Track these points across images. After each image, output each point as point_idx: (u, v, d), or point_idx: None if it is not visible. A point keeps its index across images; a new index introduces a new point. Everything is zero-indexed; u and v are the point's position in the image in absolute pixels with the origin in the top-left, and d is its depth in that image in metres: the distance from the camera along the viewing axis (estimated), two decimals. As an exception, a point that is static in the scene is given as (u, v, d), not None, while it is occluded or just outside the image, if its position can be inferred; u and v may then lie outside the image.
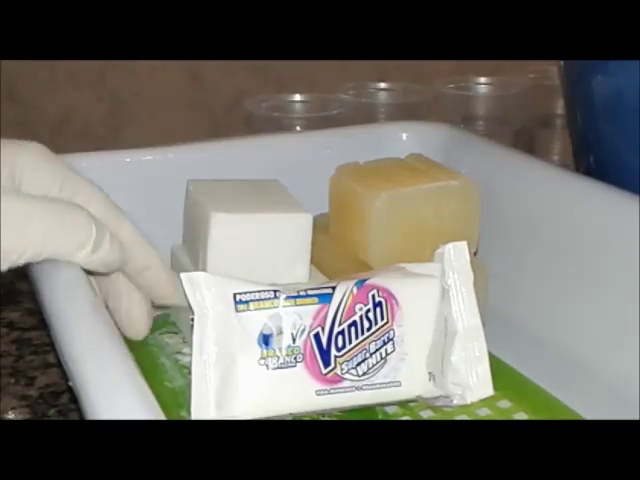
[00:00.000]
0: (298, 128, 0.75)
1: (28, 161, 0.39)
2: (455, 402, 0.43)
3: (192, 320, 0.40)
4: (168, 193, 0.52)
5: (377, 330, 0.42)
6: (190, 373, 0.40)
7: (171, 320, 0.50)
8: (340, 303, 0.41)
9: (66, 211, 0.38)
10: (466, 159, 0.57)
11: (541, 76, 0.86)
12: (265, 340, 0.40)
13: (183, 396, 0.43)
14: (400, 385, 0.42)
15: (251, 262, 0.46)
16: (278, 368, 0.40)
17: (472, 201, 0.50)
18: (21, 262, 0.37)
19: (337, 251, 0.50)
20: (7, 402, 0.49)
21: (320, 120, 0.75)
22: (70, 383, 0.33)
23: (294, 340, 0.40)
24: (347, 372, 0.41)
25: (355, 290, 0.42)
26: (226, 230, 0.45)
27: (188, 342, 0.46)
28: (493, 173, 0.55)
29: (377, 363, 0.42)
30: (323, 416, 0.42)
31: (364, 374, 0.42)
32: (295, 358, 0.40)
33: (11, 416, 0.48)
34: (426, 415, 0.43)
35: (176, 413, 0.42)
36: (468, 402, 0.43)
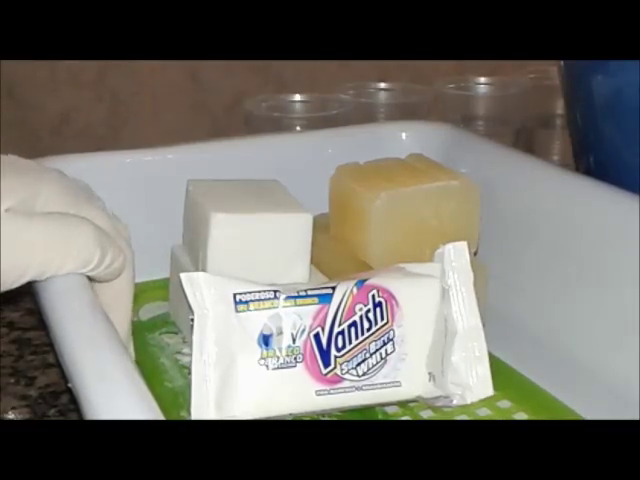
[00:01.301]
0: (298, 128, 0.75)
1: (46, 190, 0.38)
2: (455, 402, 0.43)
3: (192, 320, 0.40)
4: (168, 193, 0.52)
5: (377, 330, 0.42)
6: (190, 373, 0.40)
7: (171, 320, 0.50)
8: (340, 303, 0.41)
9: (71, 229, 0.37)
10: (466, 159, 0.57)
11: (541, 76, 0.86)
12: (265, 340, 0.40)
13: (183, 396, 0.43)
14: (400, 385, 0.42)
15: (251, 262, 0.46)
16: (278, 368, 0.40)
17: (472, 201, 0.50)
18: (23, 282, 0.37)
19: (337, 251, 0.50)
20: (7, 402, 0.49)
21: (320, 120, 0.75)
22: (69, 385, 0.33)
23: (294, 340, 0.40)
24: (347, 372, 0.41)
25: (355, 290, 0.42)
26: (226, 230, 0.45)
27: (188, 342, 0.46)
28: (493, 173, 0.55)
29: (377, 363, 0.42)
30: (323, 416, 0.42)
31: (364, 374, 0.42)
32: (295, 358, 0.40)
33: (11, 416, 0.48)
34: (426, 415, 0.43)
35: (176, 413, 0.42)
36: (468, 402, 0.43)
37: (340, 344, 0.41)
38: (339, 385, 0.41)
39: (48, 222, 0.37)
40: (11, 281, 0.36)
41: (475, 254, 0.50)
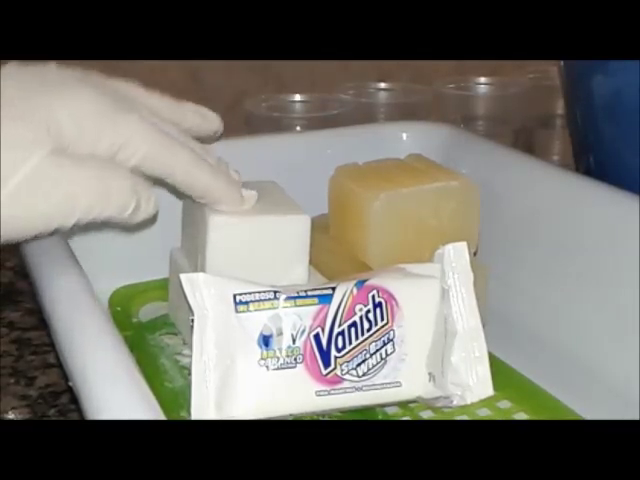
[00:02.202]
0: (298, 128, 0.75)
1: (68, 112, 0.39)
2: (455, 402, 0.43)
3: (192, 321, 0.40)
4: (168, 194, 0.52)
5: (377, 331, 0.42)
6: (190, 374, 0.40)
7: (171, 321, 0.50)
8: (340, 304, 0.41)
9: (111, 178, 0.39)
10: (466, 159, 0.57)
11: (541, 76, 0.86)
12: (265, 341, 0.40)
13: (183, 396, 0.43)
14: (400, 386, 0.42)
15: (250, 265, 0.45)
16: (278, 369, 0.40)
17: (472, 201, 0.50)
18: (65, 228, 0.38)
19: (336, 252, 0.50)
20: (7, 402, 0.49)
21: (320, 120, 0.75)
22: (70, 383, 0.33)
23: (294, 341, 0.40)
24: (347, 373, 0.41)
25: (355, 291, 0.42)
26: (225, 233, 0.45)
27: (188, 343, 0.46)
28: (493, 173, 0.55)
29: (377, 364, 0.42)
30: (323, 417, 0.42)
31: (364, 375, 0.42)
32: (295, 359, 0.40)
33: (11, 416, 0.48)
34: (426, 415, 0.43)
35: (176, 413, 0.42)
36: (468, 402, 0.43)
37: (340, 344, 0.41)
38: (339, 386, 0.41)
39: (88, 170, 0.38)
40: (52, 227, 0.38)
41: (475, 254, 0.50)
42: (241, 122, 0.80)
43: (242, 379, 0.40)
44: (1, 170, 0.36)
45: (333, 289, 0.42)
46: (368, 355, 0.42)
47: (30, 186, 0.37)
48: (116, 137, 0.39)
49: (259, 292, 0.40)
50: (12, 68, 0.39)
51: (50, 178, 0.37)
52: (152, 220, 0.43)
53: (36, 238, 0.39)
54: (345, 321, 0.41)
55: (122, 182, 0.39)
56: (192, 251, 0.48)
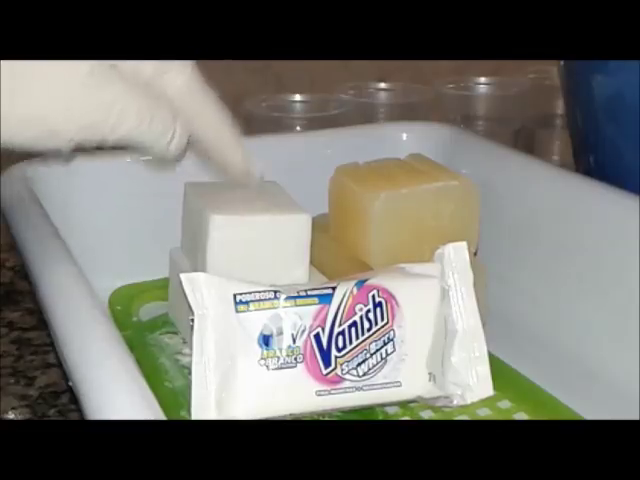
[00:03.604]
0: (298, 128, 0.75)
1: None
2: (455, 402, 0.43)
3: (192, 321, 0.40)
4: (168, 192, 0.52)
5: (377, 330, 0.42)
6: (190, 373, 0.40)
7: (171, 321, 0.50)
8: (340, 303, 0.41)
9: (158, 108, 0.41)
10: (466, 159, 0.57)
11: (541, 76, 0.86)
12: (265, 340, 0.40)
13: (183, 396, 0.43)
14: (400, 385, 0.42)
15: (250, 264, 0.45)
16: (278, 368, 0.40)
17: (472, 201, 0.50)
18: (107, 141, 0.40)
19: (337, 252, 0.50)
20: (7, 402, 0.49)
21: (320, 120, 0.75)
22: (70, 383, 0.33)
23: (294, 340, 0.41)
24: (347, 372, 0.41)
25: (355, 290, 0.42)
26: (225, 233, 0.45)
27: (188, 343, 0.46)
28: (493, 173, 0.55)
29: (377, 363, 0.42)
30: (323, 417, 0.42)
31: (364, 374, 0.42)
32: (295, 358, 0.40)
33: (11, 416, 0.48)
34: (426, 415, 0.43)
35: (176, 413, 0.42)
36: (468, 402, 0.43)
37: (340, 344, 0.41)
38: (339, 385, 0.41)
39: (138, 90, 0.40)
40: (97, 136, 0.39)
41: (475, 254, 0.50)
42: (241, 122, 0.79)
43: (242, 379, 0.40)
44: (59, 76, 0.38)
45: (333, 289, 0.42)
46: (368, 355, 0.42)
47: (85, 90, 0.39)
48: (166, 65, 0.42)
49: (259, 292, 0.41)
50: None
51: (103, 88, 0.39)
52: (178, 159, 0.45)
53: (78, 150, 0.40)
54: (345, 321, 0.41)
55: (167, 114, 0.41)
56: (192, 251, 0.48)
